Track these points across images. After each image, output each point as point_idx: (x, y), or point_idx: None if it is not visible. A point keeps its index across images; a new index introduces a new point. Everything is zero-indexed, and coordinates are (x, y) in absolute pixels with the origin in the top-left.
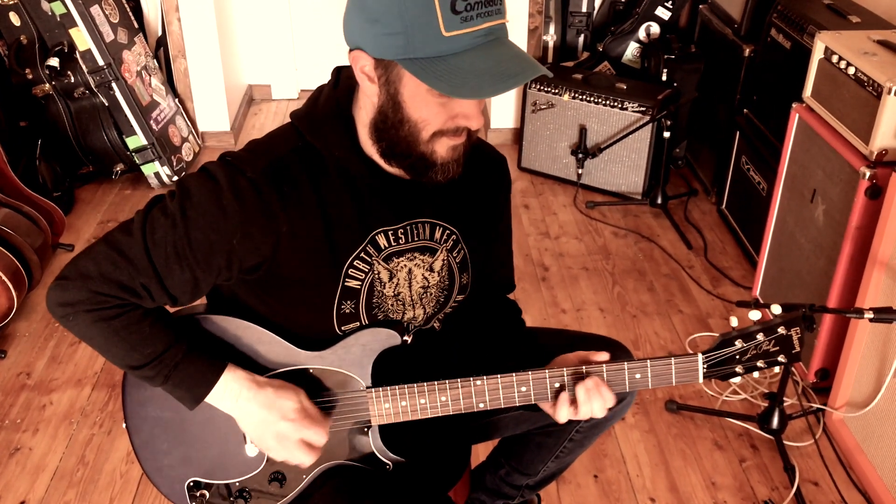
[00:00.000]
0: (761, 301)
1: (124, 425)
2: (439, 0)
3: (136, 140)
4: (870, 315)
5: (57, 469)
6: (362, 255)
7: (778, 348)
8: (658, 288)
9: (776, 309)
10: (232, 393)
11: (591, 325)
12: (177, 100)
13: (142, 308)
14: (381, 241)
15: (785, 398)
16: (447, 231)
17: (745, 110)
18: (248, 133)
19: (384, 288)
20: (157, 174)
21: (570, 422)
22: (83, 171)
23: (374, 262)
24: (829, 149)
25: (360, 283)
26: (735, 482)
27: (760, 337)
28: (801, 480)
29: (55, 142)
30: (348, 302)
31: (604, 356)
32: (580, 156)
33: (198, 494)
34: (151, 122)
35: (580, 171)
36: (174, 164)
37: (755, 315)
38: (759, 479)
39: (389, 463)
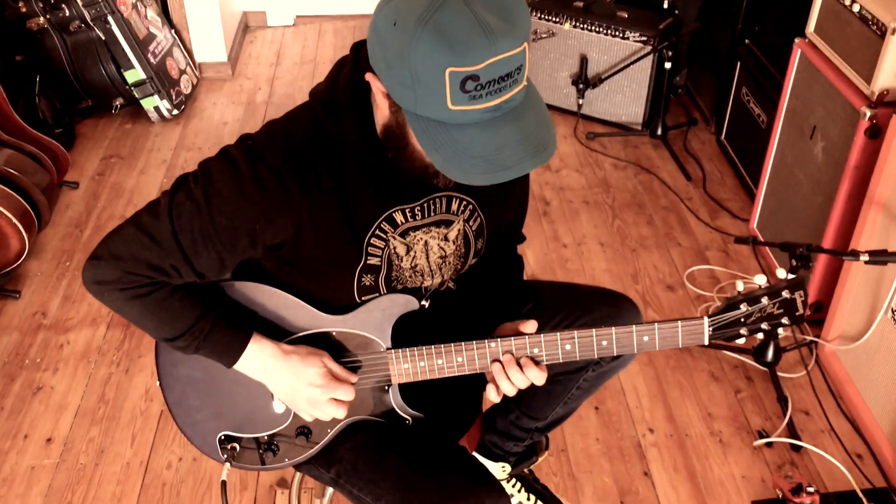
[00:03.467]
0: (759, 238)
1: (158, 384)
2: (449, 76)
3: (135, 74)
4: (865, 258)
5: (79, 407)
6: (377, 232)
7: (782, 311)
8: (657, 221)
9: (781, 273)
10: (258, 362)
11: (591, 259)
12: (173, 31)
13: (170, 285)
14: (399, 217)
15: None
16: (464, 202)
17: (746, 41)
18: (245, 63)
19: (401, 261)
20: (156, 108)
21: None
22: (82, 106)
23: (390, 237)
24: (830, 87)
25: (378, 258)
26: (730, 412)
27: (765, 301)
28: (793, 410)
29: (52, 77)
30: (368, 275)
31: (532, 327)
32: (581, 86)
33: (228, 447)
34: (149, 55)
35: (581, 101)
36: (173, 97)
37: (761, 279)
38: (753, 410)
39: (409, 418)
